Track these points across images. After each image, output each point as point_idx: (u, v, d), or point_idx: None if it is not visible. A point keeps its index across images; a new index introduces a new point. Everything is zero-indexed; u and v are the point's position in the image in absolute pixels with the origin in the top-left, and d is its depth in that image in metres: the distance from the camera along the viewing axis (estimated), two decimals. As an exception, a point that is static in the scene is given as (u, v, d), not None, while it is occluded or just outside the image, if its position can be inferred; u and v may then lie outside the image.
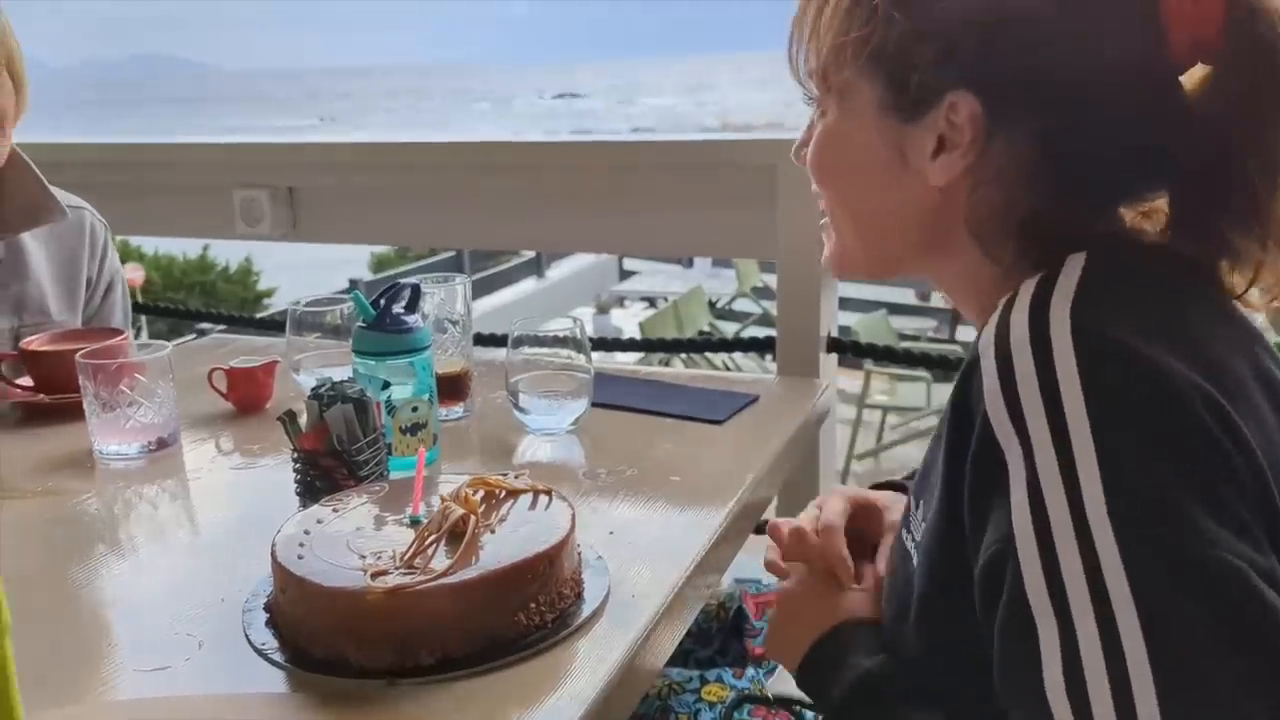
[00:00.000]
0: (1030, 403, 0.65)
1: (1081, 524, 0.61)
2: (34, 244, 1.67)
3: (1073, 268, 0.71)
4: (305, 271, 9.85)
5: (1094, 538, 0.61)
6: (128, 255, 10.06)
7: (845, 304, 7.46)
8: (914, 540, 0.79)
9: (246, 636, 0.89)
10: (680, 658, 1.22)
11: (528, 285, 11.81)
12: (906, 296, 8.74)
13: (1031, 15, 0.73)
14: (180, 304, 8.37)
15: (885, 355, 1.90)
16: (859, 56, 0.78)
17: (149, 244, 10.47)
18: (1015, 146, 0.76)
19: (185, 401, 1.44)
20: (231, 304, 10.00)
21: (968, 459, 0.68)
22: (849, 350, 1.81)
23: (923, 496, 0.79)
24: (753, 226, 1.80)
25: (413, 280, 1.28)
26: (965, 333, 7.90)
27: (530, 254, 10.88)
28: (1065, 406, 0.64)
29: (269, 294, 11.14)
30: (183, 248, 10.90)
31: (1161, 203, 0.79)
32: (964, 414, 0.69)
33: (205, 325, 3.40)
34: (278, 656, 0.87)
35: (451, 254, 9.57)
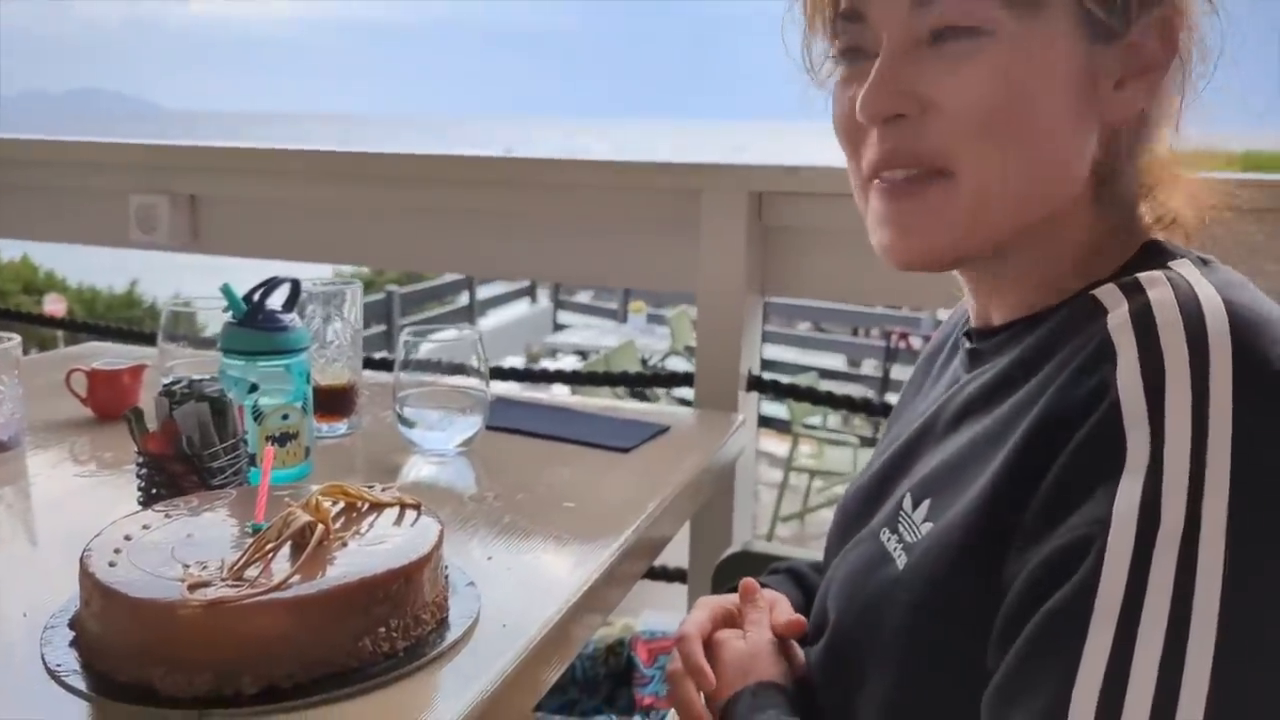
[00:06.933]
0: (1176, 388, 0.57)
1: (1191, 536, 0.54)
2: None
3: (1184, 263, 0.65)
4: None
5: (1199, 554, 0.54)
6: (51, 285, 9.72)
7: (775, 367, 7.45)
8: (901, 541, 0.71)
9: (42, 657, 0.76)
10: (566, 708, 1.10)
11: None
12: (837, 363, 8.77)
13: None
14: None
15: (808, 396, 1.82)
16: None
17: (73, 275, 10.13)
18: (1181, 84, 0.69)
19: (44, 407, 1.32)
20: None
21: (1068, 446, 0.60)
22: (770, 389, 1.72)
23: (930, 495, 0.71)
24: (674, 256, 1.72)
25: (292, 276, 1.17)
26: (894, 399, 7.92)
27: (464, 301, 10.72)
28: (1212, 401, 0.56)
29: (199, 331, 10.85)
30: (109, 280, 10.56)
31: (1180, 216, 0.72)
32: (1073, 405, 0.61)
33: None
34: (74, 681, 0.73)
35: (382, 296, 9.37)
